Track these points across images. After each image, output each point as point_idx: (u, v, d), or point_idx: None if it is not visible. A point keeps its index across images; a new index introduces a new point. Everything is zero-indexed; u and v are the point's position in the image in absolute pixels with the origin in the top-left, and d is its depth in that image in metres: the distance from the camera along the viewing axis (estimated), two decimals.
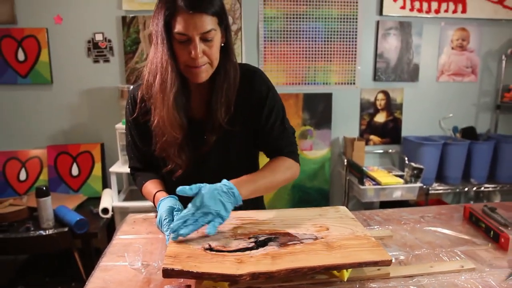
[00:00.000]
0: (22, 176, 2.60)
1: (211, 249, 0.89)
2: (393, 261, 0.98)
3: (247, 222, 1.04)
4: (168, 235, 0.94)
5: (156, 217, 1.06)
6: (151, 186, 1.17)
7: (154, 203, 1.13)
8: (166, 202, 1.04)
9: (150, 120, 1.10)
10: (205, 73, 1.04)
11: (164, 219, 0.98)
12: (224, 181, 1.01)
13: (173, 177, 1.14)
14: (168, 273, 0.81)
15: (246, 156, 1.23)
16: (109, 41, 2.61)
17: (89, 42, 2.60)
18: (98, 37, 2.60)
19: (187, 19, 0.95)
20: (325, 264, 0.82)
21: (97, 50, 2.61)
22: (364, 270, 0.90)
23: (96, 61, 2.63)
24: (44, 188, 2.03)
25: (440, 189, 2.78)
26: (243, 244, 0.91)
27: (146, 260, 0.99)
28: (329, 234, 0.97)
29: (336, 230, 0.99)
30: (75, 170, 2.62)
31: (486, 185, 2.84)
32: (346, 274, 0.88)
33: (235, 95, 1.12)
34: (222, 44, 1.07)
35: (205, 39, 0.99)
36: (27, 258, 2.51)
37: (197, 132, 1.13)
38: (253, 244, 0.91)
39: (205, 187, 0.97)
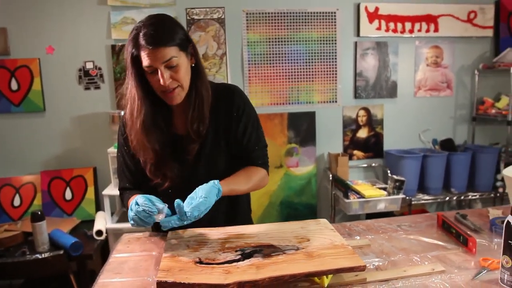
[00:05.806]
0: (16, 202, 2.64)
1: (201, 262, 0.97)
2: (371, 267, 1.08)
3: (234, 237, 1.12)
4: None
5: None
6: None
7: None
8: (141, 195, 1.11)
9: None
10: (178, 96, 1.17)
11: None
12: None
13: (160, 189, 1.24)
14: (162, 286, 0.89)
15: (234, 168, 1.31)
16: (99, 68, 2.70)
17: (80, 70, 2.69)
18: (89, 65, 2.69)
19: (149, 53, 1.09)
20: (305, 272, 0.91)
21: (88, 77, 2.70)
22: (342, 276, 0.98)
23: (87, 88, 2.71)
24: (39, 212, 2.08)
25: (422, 200, 2.89)
26: (230, 256, 1.00)
27: (141, 275, 1.06)
28: (310, 244, 1.05)
29: (316, 240, 1.08)
30: (68, 194, 2.67)
31: (466, 194, 2.95)
32: (326, 280, 0.95)
33: (211, 109, 1.24)
34: (193, 65, 1.20)
35: (169, 66, 1.11)
36: (22, 282, 2.52)
37: (181, 146, 1.24)
38: (240, 256, 1.00)
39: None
